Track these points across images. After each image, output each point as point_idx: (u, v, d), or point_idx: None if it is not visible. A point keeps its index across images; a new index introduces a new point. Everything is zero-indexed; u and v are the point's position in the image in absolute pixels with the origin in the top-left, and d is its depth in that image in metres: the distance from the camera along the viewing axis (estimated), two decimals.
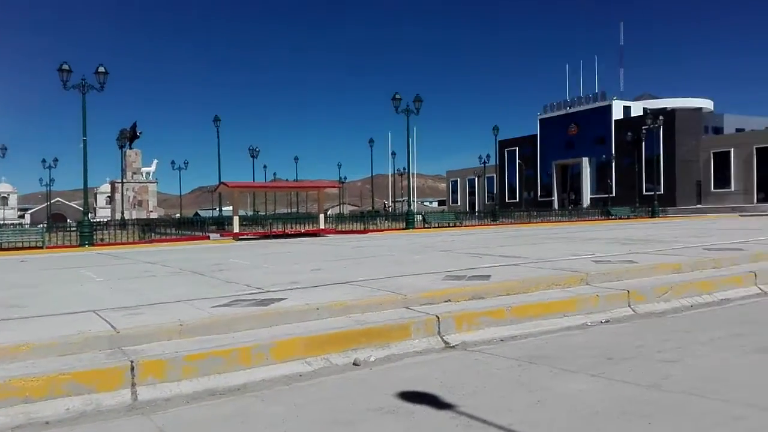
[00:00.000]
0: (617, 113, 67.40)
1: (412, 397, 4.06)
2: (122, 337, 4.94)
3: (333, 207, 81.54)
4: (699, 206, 57.68)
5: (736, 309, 6.80)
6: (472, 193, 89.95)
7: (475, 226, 33.61)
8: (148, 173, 55.41)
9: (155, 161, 57.21)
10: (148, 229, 27.60)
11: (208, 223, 31.41)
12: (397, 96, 31.31)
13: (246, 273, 9.79)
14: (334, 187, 40.10)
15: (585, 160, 70.11)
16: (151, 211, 52.25)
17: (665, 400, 3.75)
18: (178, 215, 54.10)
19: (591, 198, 68.47)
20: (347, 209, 75.70)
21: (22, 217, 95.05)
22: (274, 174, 76.24)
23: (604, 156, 67.49)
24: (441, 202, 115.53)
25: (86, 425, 3.77)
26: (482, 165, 61.45)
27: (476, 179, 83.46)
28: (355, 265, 10.64)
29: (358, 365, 4.90)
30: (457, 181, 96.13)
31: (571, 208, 52.60)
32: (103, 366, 4.32)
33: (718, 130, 65.20)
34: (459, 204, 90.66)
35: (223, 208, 43.18)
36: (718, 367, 4.45)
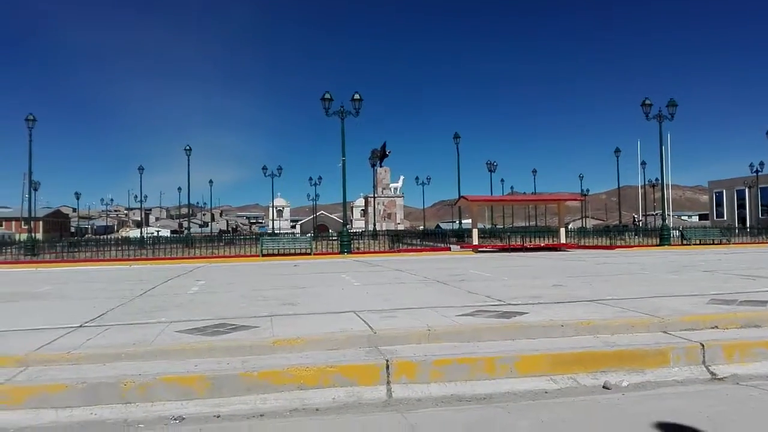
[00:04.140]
0: None
1: (671, 430, 3.70)
2: (378, 337, 5.41)
3: (574, 221, 77.96)
4: None
5: None
6: (741, 207, 78.24)
7: (747, 244, 29.16)
8: (395, 188, 59.61)
9: (402, 177, 61.25)
10: (396, 240, 29.64)
11: (448, 235, 32.67)
12: (647, 101, 28.82)
13: (486, 285, 9.93)
14: (575, 200, 38.23)
15: None
16: (399, 223, 56.01)
17: None
18: (422, 227, 57.15)
19: None
20: (590, 223, 71.76)
21: (293, 227, 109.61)
22: (512, 187, 76.01)
23: None
24: (702, 216, 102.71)
25: (349, 416, 4.19)
26: (754, 174, 53.05)
27: (747, 190, 72.42)
28: (601, 282, 10.05)
29: (608, 389, 4.62)
30: (722, 192, 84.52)
31: None
32: (364, 362, 4.78)
33: None
34: (725, 218, 79.60)
35: (462, 221, 44.40)
36: None
